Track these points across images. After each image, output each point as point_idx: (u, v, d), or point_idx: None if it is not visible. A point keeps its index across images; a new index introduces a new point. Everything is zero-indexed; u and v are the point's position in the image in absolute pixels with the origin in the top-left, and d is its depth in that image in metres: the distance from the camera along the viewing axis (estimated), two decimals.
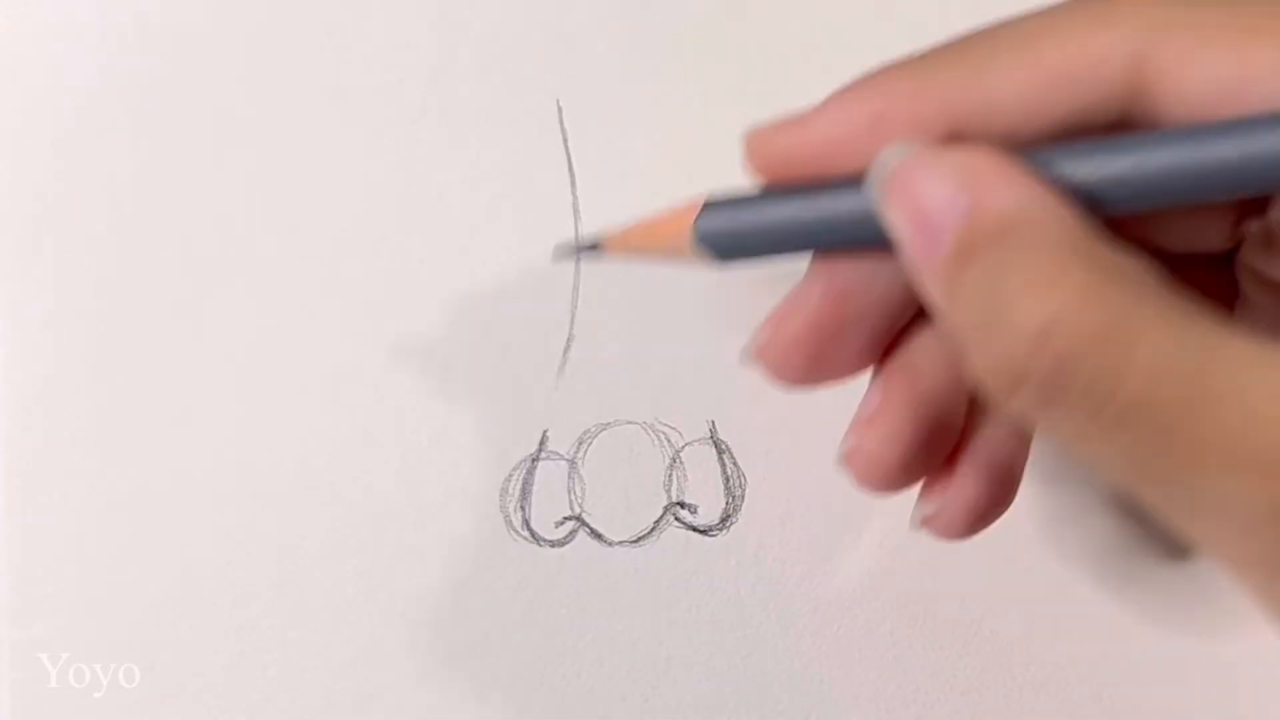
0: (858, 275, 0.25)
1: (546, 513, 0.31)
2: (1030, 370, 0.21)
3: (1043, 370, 0.21)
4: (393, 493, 0.31)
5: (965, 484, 0.26)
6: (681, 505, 0.31)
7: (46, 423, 0.31)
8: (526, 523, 0.31)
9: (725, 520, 0.31)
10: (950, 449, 0.26)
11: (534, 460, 0.31)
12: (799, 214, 0.25)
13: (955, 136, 0.23)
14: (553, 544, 0.31)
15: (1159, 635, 0.32)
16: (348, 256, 0.31)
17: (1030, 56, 0.23)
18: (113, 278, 0.31)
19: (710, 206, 0.26)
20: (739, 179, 0.31)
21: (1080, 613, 0.32)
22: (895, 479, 0.26)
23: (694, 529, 0.31)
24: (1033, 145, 0.23)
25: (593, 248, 0.26)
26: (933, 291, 0.23)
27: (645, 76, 0.31)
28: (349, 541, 0.31)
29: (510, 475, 0.31)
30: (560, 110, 0.31)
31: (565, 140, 0.31)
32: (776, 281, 0.31)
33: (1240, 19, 0.22)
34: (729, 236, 0.26)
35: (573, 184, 0.31)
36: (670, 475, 0.31)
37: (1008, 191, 0.22)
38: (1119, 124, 0.23)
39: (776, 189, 0.26)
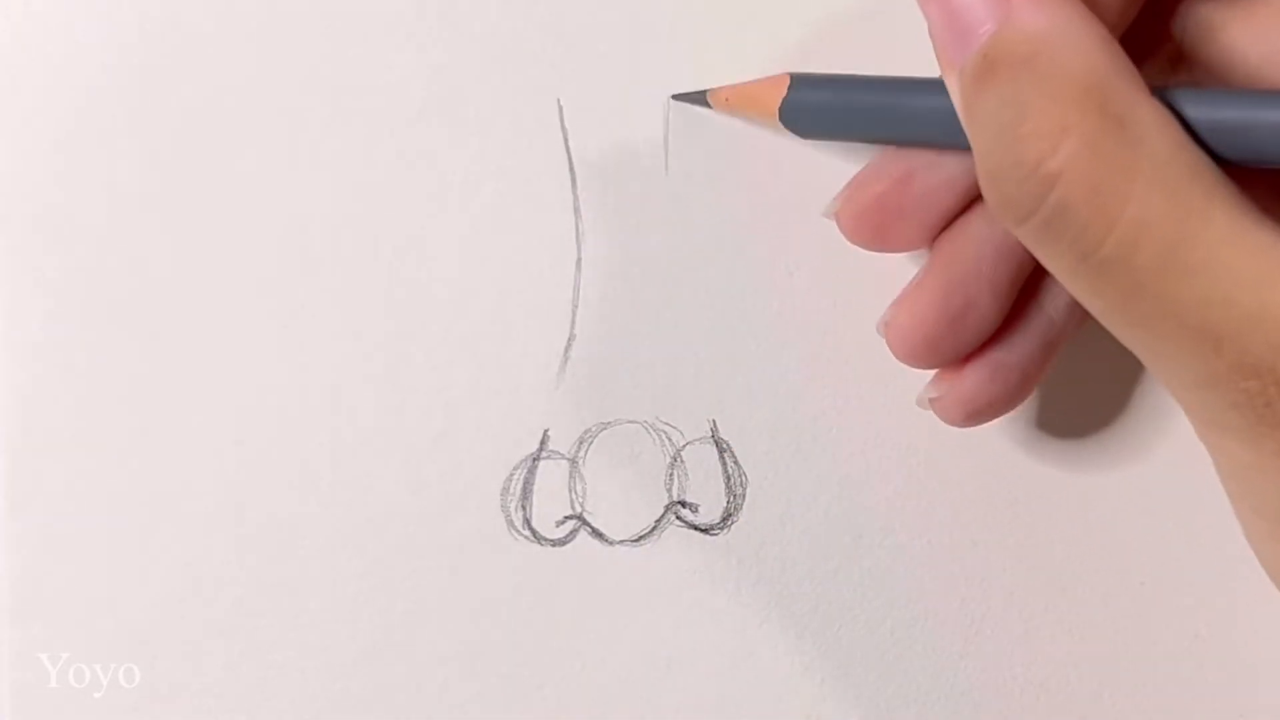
0: (923, 161, 0.28)
1: (548, 512, 0.31)
2: (1034, 209, 0.23)
3: (1044, 212, 0.23)
4: (393, 493, 0.31)
5: (971, 376, 0.28)
6: (683, 504, 0.31)
7: (46, 423, 0.31)
8: (528, 522, 0.31)
9: (726, 519, 0.31)
10: (976, 340, 0.28)
11: (535, 459, 0.31)
12: (876, 106, 0.28)
13: None
14: (554, 543, 0.31)
15: (1159, 635, 0.32)
16: (347, 256, 0.31)
17: None
18: (113, 278, 0.31)
19: (796, 84, 0.29)
20: (736, 175, 0.31)
21: (1080, 613, 0.32)
22: (922, 354, 0.28)
23: (695, 528, 0.31)
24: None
25: (701, 99, 0.30)
26: (953, 93, 0.24)
27: (645, 76, 0.31)
28: (349, 541, 0.31)
29: (511, 475, 0.31)
30: (560, 110, 0.31)
31: (565, 140, 0.31)
32: (777, 281, 0.31)
33: None
34: (810, 116, 0.29)
35: (573, 184, 0.31)
36: (671, 474, 0.31)
37: (1040, 8, 0.23)
38: None
39: (861, 79, 0.28)
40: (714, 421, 0.31)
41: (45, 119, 0.30)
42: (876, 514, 0.32)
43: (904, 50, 0.26)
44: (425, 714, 0.31)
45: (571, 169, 0.31)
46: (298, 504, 0.31)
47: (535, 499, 0.31)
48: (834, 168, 0.30)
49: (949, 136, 0.25)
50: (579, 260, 0.31)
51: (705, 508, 0.31)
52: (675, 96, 0.31)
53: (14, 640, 0.31)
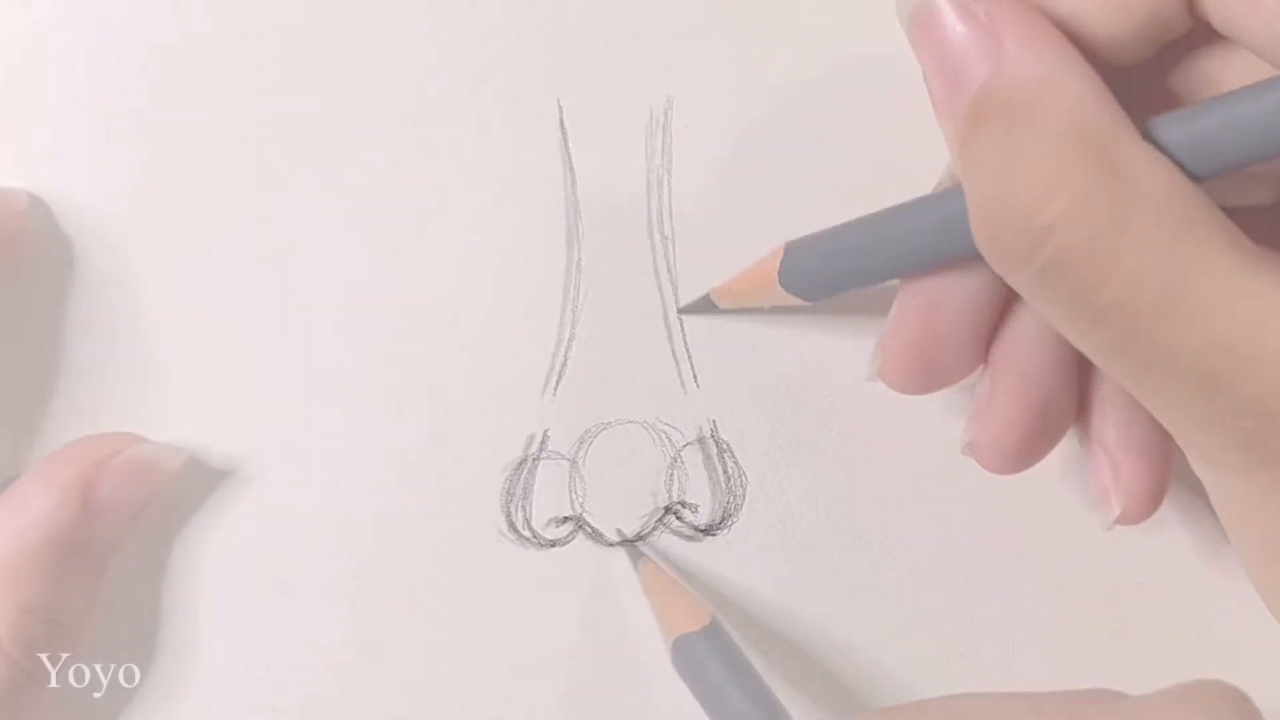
0: (942, 286, 0.27)
1: (547, 512, 0.31)
2: (1028, 260, 0.22)
3: (1039, 263, 0.22)
4: (392, 493, 0.31)
5: (1006, 414, 0.27)
6: (682, 505, 0.31)
7: (47, 422, 0.31)
8: (527, 522, 0.31)
9: (726, 520, 0.31)
10: (1065, 426, 0.28)
11: (535, 460, 0.31)
12: (872, 246, 0.27)
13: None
14: (553, 544, 0.31)
15: (1159, 635, 0.32)
16: (347, 256, 0.31)
17: None
18: (111, 277, 0.31)
19: (790, 251, 0.28)
20: (735, 176, 0.31)
21: (1080, 613, 0.32)
22: (1017, 462, 0.28)
23: (695, 528, 0.31)
24: (1118, 52, 0.24)
25: (707, 304, 0.30)
26: (947, 136, 0.24)
27: (645, 76, 0.31)
28: (348, 542, 0.31)
29: (511, 475, 0.31)
30: (560, 110, 0.31)
31: (565, 140, 0.31)
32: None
33: None
34: (811, 278, 0.28)
35: (573, 184, 0.31)
36: (671, 475, 0.31)
37: (1034, 55, 0.23)
38: (1193, 30, 0.24)
39: (849, 226, 0.27)
40: (714, 421, 0.31)
41: (45, 119, 0.30)
42: (876, 514, 0.32)
43: (899, 43, 0.26)
44: (425, 714, 0.31)
45: (571, 169, 0.31)
46: (296, 503, 0.31)
47: (535, 499, 0.31)
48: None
49: (950, 248, 0.25)
50: (579, 260, 0.31)
51: (705, 508, 0.31)
52: (682, 310, 0.31)
53: None
